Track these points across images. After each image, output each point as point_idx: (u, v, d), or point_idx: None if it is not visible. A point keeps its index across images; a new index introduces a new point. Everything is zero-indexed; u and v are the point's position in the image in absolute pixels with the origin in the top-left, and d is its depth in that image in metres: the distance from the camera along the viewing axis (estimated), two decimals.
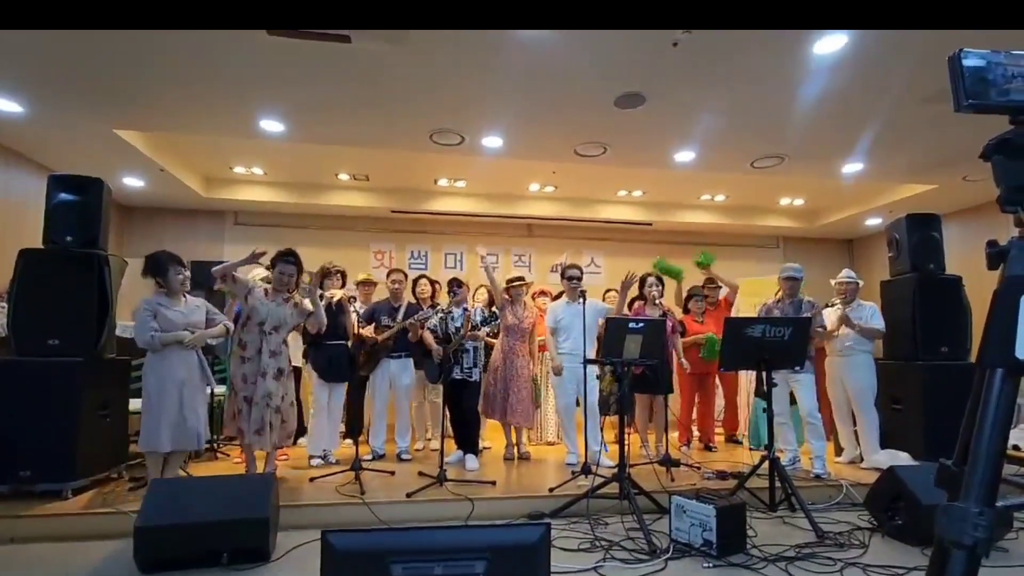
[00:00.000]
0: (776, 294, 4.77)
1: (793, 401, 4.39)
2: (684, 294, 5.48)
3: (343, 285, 4.67)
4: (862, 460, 4.49)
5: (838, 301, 4.59)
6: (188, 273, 3.66)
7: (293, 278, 3.86)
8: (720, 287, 5.66)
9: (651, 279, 4.95)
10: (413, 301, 4.99)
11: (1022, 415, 5.20)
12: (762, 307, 4.62)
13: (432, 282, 5.24)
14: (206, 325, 3.70)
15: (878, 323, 4.46)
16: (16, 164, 5.02)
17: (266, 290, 3.84)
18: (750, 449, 5.17)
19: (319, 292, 4.49)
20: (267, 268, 4.10)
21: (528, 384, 4.69)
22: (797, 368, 3.92)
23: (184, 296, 3.66)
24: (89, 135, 4.62)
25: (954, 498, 0.85)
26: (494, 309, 4.89)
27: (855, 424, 4.57)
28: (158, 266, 3.57)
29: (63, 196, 3.83)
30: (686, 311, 5.43)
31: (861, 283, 4.61)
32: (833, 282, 4.67)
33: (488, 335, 4.75)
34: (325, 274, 4.51)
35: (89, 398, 3.62)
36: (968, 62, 0.84)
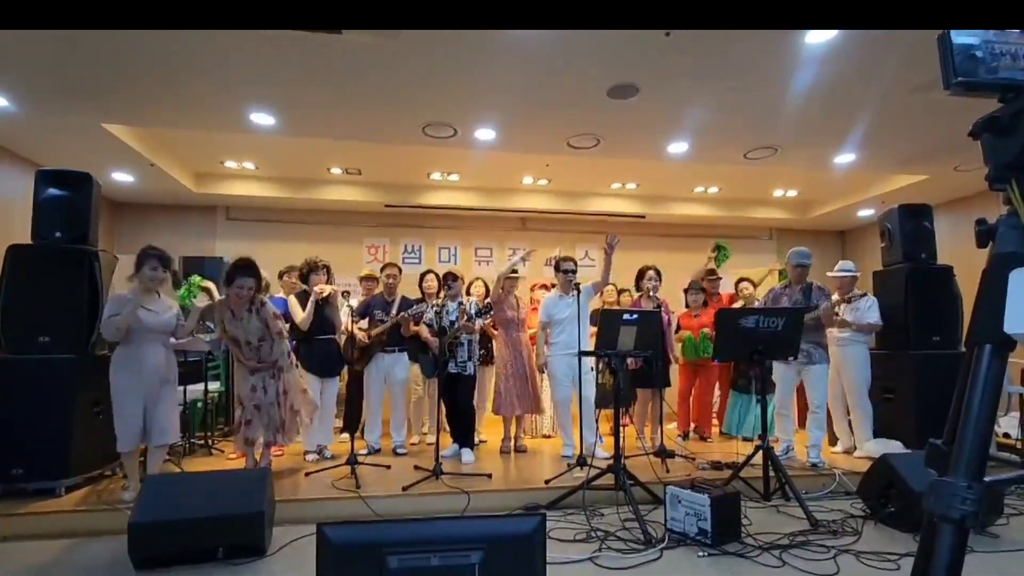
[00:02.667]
0: (780, 280, 4.77)
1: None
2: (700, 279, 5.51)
3: (328, 280, 4.65)
4: (856, 449, 4.53)
5: (835, 295, 4.58)
6: (164, 275, 3.52)
7: (252, 291, 3.66)
8: (721, 279, 5.69)
9: (649, 272, 4.96)
10: (418, 296, 4.97)
11: (1012, 402, 5.25)
12: (769, 292, 4.59)
13: (439, 277, 5.22)
14: (174, 331, 3.57)
15: (873, 317, 4.44)
16: (2, 159, 4.96)
17: (232, 310, 3.66)
18: (742, 440, 5.19)
19: (302, 288, 4.48)
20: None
21: (534, 371, 4.81)
22: (805, 360, 3.93)
23: (158, 295, 3.54)
24: (77, 130, 4.56)
25: (944, 476, 0.85)
26: (487, 301, 4.89)
27: (849, 414, 4.59)
28: (138, 258, 3.49)
29: (51, 192, 3.79)
30: (685, 305, 5.45)
31: (858, 275, 4.61)
32: (829, 275, 4.64)
33: (484, 327, 4.76)
34: (311, 268, 4.48)
35: (81, 395, 3.59)
36: (958, 40, 0.84)
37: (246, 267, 3.64)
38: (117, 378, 3.38)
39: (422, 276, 5.15)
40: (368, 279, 5.09)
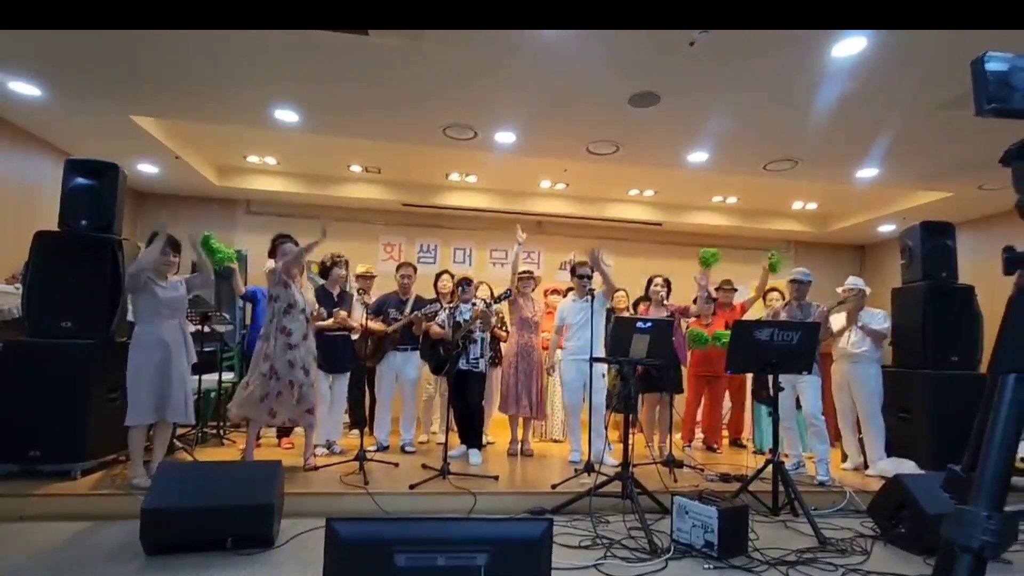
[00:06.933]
0: (780, 297, 4.74)
1: (798, 405, 4.36)
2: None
3: (347, 276, 4.70)
4: (867, 467, 4.47)
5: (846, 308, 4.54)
6: (176, 258, 3.63)
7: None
8: (736, 290, 5.65)
9: (656, 280, 4.95)
10: (432, 296, 4.97)
11: None
12: (769, 311, 4.60)
13: (455, 280, 5.21)
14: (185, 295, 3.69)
15: (878, 323, 4.42)
16: (33, 147, 5.07)
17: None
18: (754, 453, 5.15)
19: (321, 282, 4.55)
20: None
21: (543, 377, 4.79)
22: (804, 372, 3.90)
23: (166, 276, 3.61)
24: (106, 121, 4.66)
25: (962, 503, 0.84)
26: (507, 288, 4.87)
27: (860, 431, 4.54)
28: (148, 241, 3.58)
29: (79, 180, 3.87)
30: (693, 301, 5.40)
31: (868, 291, 4.55)
32: (839, 290, 4.59)
33: (496, 326, 4.77)
34: (333, 263, 4.53)
35: (100, 381, 3.66)
36: (991, 66, 0.83)
37: (283, 236, 4.16)
38: (134, 356, 3.42)
39: (437, 276, 5.16)
40: (363, 277, 5.02)
